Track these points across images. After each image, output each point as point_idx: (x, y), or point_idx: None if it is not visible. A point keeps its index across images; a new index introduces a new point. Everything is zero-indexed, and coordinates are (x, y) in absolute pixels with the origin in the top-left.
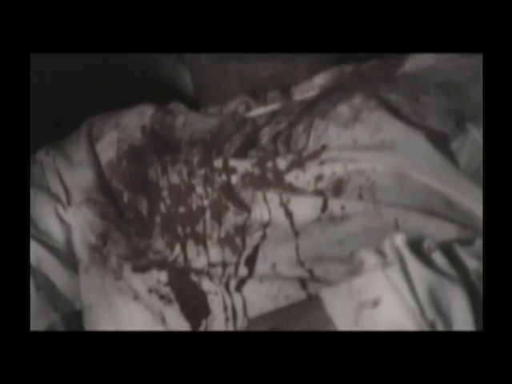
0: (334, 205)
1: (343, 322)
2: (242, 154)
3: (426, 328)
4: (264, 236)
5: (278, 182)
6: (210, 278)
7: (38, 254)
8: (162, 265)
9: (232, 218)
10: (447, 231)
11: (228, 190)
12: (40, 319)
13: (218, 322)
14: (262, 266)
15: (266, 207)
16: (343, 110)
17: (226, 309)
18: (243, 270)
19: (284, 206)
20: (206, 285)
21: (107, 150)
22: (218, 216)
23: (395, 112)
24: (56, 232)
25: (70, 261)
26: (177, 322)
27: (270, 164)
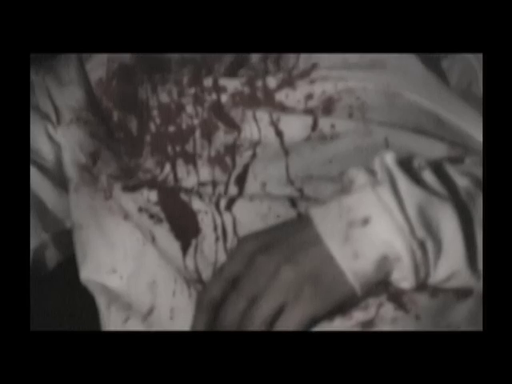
0: (324, 124)
1: (333, 241)
2: (231, 72)
3: (415, 246)
4: (254, 155)
5: (267, 100)
6: (200, 197)
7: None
8: (152, 184)
9: (222, 137)
10: (437, 149)
11: (218, 109)
12: (30, 239)
13: (208, 241)
14: (251, 185)
15: (255, 126)
16: None
17: (216, 228)
18: (233, 189)
19: (274, 124)
20: (196, 204)
21: (97, 69)
22: (208, 135)
23: None
24: (46, 151)
25: (59, 180)
26: (167, 242)
27: (259, 83)
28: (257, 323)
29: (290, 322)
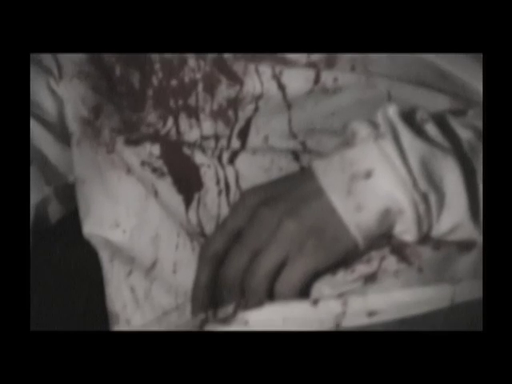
0: (327, 77)
1: (335, 194)
2: None
3: (418, 199)
4: (256, 109)
5: (270, 54)
6: (203, 150)
7: (30, 127)
8: (154, 138)
9: (224, 90)
10: (440, 102)
11: (220, 63)
12: (33, 193)
13: (210, 195)
14: (254, 139)
15: (258, 80)
16: None
17: (218, 181)
18: (236, 143)
19: (276, 78)
20: (199, 158)
21: None
22: (211, 89)
23: None
24: (48, 105)
25: (62, 134)
26: (169, 195)
27: None
28: (259, 276)
29: (292, 276)
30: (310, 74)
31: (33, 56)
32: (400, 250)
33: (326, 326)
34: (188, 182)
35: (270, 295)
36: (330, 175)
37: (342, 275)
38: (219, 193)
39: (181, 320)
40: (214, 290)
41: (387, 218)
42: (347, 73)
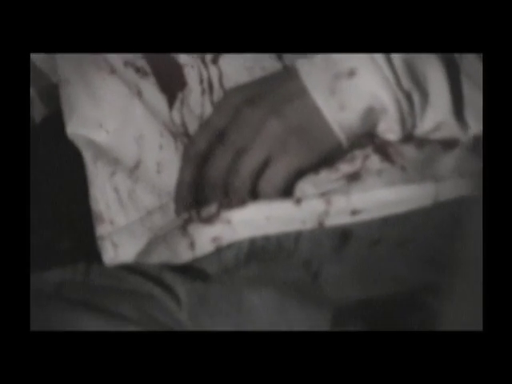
0: None
1: (319, 93)
2: None
3: (401, 98)
4: None
5: None
6: None
7: None
8: None
9: None
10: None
11: None
12: None
13: (194, 95)
14: None
15: None
16: None
17: (202, 81)
18: None
19: None
20: (182, 57)
21: None
22: None
23: None
24: None
25: None
26: (153, 95)
27: None
28: (243, 176)
29: (276, 175)
30: None
31: None
32: (383, 149)
33: (309, 224)
34: (171, 82)
35: (254, 195)
36: (313, 74)
37: (325, 174)
38: (202, 92)
39: (164, 220)
40: (197, 190)
41: (370, 116)
42: None
